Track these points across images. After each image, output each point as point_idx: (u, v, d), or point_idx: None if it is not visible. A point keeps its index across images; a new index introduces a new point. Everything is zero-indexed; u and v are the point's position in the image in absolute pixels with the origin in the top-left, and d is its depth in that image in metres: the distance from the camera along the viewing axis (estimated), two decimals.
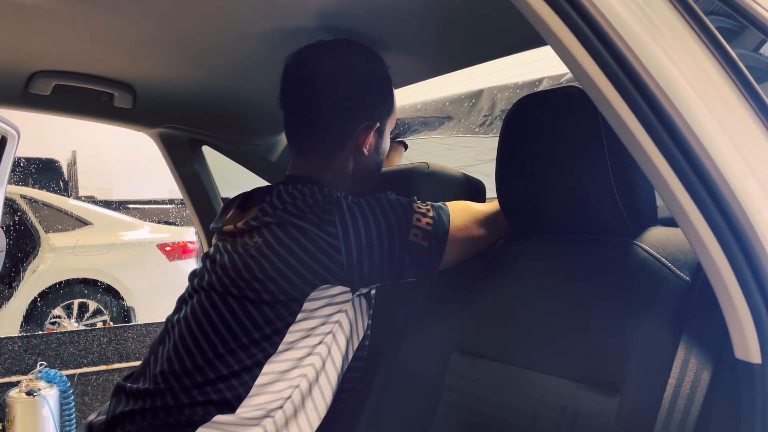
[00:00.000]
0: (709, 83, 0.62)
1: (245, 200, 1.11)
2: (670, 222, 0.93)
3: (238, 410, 0.96)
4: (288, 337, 0.97)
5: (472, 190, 1.28)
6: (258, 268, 0.96)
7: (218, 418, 0.95)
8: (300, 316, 0.97)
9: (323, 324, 0.99)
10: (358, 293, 1.02)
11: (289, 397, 0.98)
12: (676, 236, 0.89)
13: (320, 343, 0.99)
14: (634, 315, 0.84)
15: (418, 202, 1.04)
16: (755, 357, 0.59)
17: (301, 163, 1.12)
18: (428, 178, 1.25)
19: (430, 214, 1.02)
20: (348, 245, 0.95)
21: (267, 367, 0.97)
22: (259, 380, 0.96)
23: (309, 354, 0.99)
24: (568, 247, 0.99)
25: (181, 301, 1.11)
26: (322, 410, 1.01)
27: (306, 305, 0.97)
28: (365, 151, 1.09)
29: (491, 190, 1.16)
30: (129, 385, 1.06)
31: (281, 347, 0.97)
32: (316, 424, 1.01)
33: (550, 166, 0.96)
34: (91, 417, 1.15)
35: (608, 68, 0.59)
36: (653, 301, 0.83)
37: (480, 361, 1.00)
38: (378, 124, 1.09)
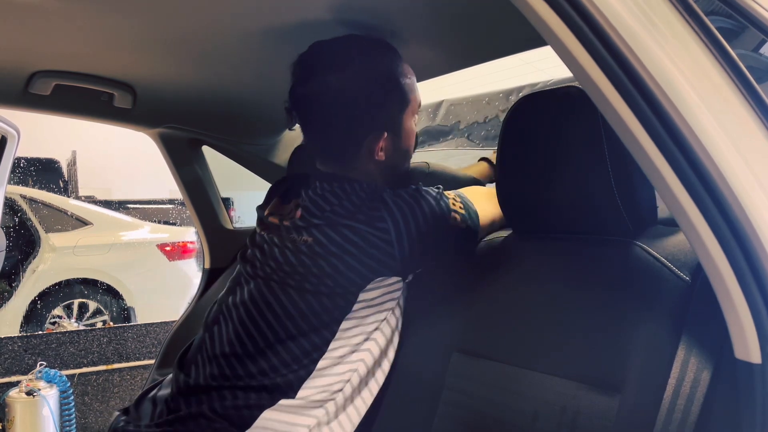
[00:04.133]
0: (709, 83, 0.62)
1: (287, 191, 1.15)
2: (670, 222, 0.93)
3: (302, 392, 1.00)
4: (345, 324, 1.02)
5: None
6: (313, 264, 1.00)
7: (284, 401, 1.00)
8: (357, 306, 1.02)
9: (378, 312, 1.05)
10: (407, 280, 1.09)
11: (348, 380, 1.03)
12: (676, 236, 0.89)
13: (376, 329, 1.05)
14: (634, 315, 0.84)
15: (445, 190, 1.08)
16: (755, 357, 0.59)
17: (328, 165, 1.11)
18: (429, 178, 1.26)
19: (458, 199, 1.07)
20: (399, 238, 0.99)
21: (327, 353, 1.01)
22: (320, 364, 1.01)
23: (366, 339, 1.04)
24: (567, 247, 0.99)
25: (236, 283, 1.13)
26: (375, 392, 1.07)
27: (362, 295, 1.02)
28: (380, 157, 1.08)
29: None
30: (190, 363, 1.09)
31: (339, 334, 1.02)
32: (370, 402, 1.06)
33: (550, 166, 0.96)
34: (150, 391, 1.16)
35: (608, 68, 0.59)
36: (653, 301, 0.83)
37: (480, 361, 1.00)
38: (385, 134, 1.07)
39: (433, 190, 1.06)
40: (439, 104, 2.96)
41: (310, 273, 1.00)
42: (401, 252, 1.00)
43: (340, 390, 1.02)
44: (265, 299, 1.04)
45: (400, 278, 1.06)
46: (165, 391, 1.10)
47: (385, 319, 1.06)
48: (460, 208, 1.06)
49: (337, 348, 1.02)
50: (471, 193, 1.13)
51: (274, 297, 1.03)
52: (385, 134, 1.07)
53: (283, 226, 1.06)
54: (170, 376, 1.14)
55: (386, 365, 1.08)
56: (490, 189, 1.14)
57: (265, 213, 1.14)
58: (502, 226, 1.14)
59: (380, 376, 1.07)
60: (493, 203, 1.11)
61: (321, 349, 1.01)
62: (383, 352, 1.07)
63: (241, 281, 1.12)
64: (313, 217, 1.02)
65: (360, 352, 1.04)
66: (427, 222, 1.01)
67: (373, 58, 1.07)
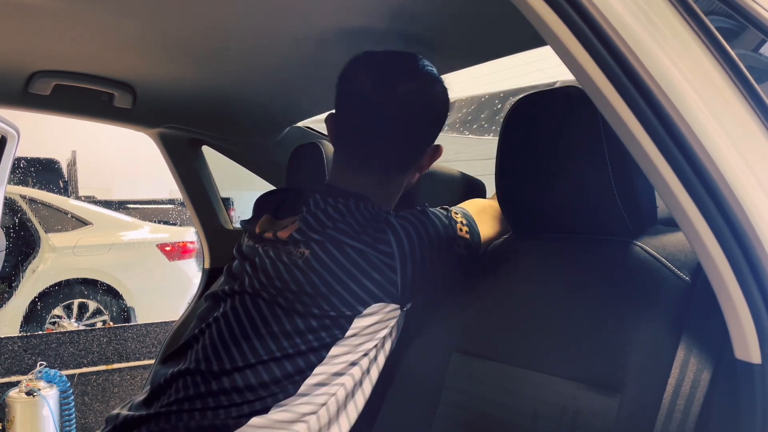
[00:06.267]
0: (709, 83, 0.62)
1: (279, 207, 1.09)
2: (670, 222, 0.93)
3: (272, 414, 0.94)
4: (333, 351, 0.96)
5: (472, 189, 1.28)
6: (307, 282, 0.94)
7: (253, 421, 0.93)
8: (349, 332, 0.96)
9: (369, 341, 0.99)
10: (405, 308, 1.02)
11: (324, 404, 0.97)
12: (676, 236, 0.89)
13: (364, 355, 0.99)
14: (634, 315, 0.84)
15: (451, 211, 1.05)
16: (755, 357, 0.59)
17: (350, 178, 1.06)
18: (428, 178, 1.25)
19: (465, 222, 1.04)
20: (404, 263, 0.95)
21: (309, 379, 0.95)
22: (301, 389, 0.95)
23: (351, 365, 0.98)
24: (567, 247, 0.99)
25: (216, 298, 1.06)
26: (353, 419, 1.00)
27: (357, 322, 0.96)
28: (424, 169, 1.10)
29: (491, 191, 1.16)
30: (166, 378, 1.01)
31: (325, 360, 0.96)
32: (347, 430, 1.00)
33: (550, 167, 0.96)
34: (123, 410, 1.10)
35: (608, 68, 0.59)
36: (653, 301, 0.83)
37: (480, 361, 1.00)
38: (440, 146, 1.09)
39: (440, 213, 1.02)
40: None
41: (303, 292, 0.94)
42: (403, 278, 0.95)
43: (314, 413, 0.96)
44: (250, 317, 0.97)
45: (398, 306, 0.98)
46: (138, 413, 1.01)
47: (375, 346, 1.00)
48: (466, 233, 1.03)
49: (321, 374, 0.96)
50: (473, 207, 1.10)
51: (260, 315, 0.96)
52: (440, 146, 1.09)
53: (279, 239, 1.00)
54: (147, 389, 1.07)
55: (368, 388, 1.01)
56: (492, 202, 1.13)
57: (257, 230, 1.07)
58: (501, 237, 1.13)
59: (360, 401, 1.01)
60: (495, 218, 1.09)
61: (304, 373, 0.95)
62: (366, 375, 1.01)
63: (220, 295, 1.05)
64: (312, 231, 0.96)
65: (343, 377, 0.97)
66: (433, 248, 0.98)
67: (432, 69, 1.08)
